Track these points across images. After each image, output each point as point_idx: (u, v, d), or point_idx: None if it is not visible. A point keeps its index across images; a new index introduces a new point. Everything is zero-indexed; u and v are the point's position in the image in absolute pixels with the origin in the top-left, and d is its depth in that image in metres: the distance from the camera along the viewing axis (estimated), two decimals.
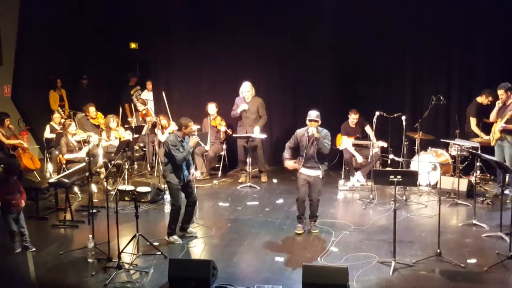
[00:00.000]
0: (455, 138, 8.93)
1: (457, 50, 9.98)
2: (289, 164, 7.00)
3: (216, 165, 10.36)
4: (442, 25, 9.99)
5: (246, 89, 9.59)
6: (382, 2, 10.07)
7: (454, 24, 9.94)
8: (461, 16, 9.88)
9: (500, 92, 8.20)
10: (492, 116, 8.35)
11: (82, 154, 8.91)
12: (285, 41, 10.64)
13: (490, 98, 8.92)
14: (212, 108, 10.02)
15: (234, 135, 9.98)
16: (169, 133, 9.31)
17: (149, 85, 11.91)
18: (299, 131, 6.96)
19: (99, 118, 10.39)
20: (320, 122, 6.84)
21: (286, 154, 7.04)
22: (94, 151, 9.20)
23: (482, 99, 9.04)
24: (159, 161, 9.73)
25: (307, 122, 6.85)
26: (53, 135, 10.06)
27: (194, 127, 6.99)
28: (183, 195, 6.97)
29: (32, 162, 9.62)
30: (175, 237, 6.82)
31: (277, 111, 10.77)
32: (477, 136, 9.04)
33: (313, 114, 6.83)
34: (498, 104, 8.26)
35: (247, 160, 9.51)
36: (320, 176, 6.93)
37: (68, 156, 9.04)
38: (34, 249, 6.59)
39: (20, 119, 11.19)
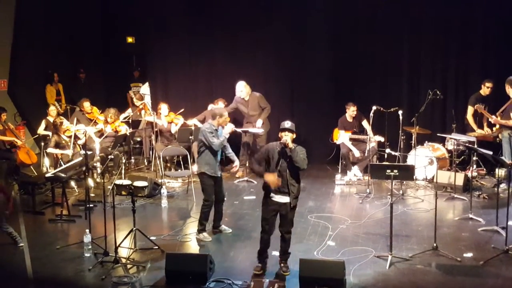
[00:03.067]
0: (452, 132, 8.95)
1: (454, 45, 10.03)
2: (271, 178, 5.50)
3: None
4: (439, 20, 10.01)
5: (240, 88, 9.62)
6: None
7: (451, 20, 9.96)
8: (458, 11, 9.90)
9: (506, 85, 8.30)
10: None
11: (69, 152, 8.86)
12: (283, 37, 10.64)
13: (487, 84, 8.94)
14: (221, 105, 9.96)
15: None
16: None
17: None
18: (271, 145, 5.74)
19: (94, 113, 10.38)
20: (295, 135, 5.63)
21: (258, 166, 5.73)
22: (90, 145, 9.22)
23: (483, 90, 9.05)
24: (156, 155, 9.73)
25: (279, 134, 5.64)
26: (48, 132, 10.03)
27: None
28: None
29: (28, 157, 9.60)
30: (205, 234, 6.74)
31: (273, 107, 10.70)
32: (472, 128, 9.08)
33: (287, 123, 5.61)
34: None
35: (247, 155, 9.55)
36: (291, 205, 5.64)
37: (52, 150, 8.99)
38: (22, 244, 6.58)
39: (16, 113, 11.16)
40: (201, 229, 6.77)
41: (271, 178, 5.50)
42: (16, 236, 6.58)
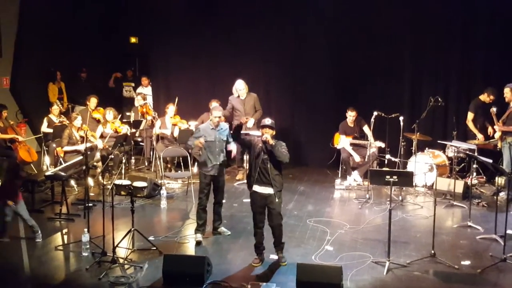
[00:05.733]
0: (452, 139, 8.94)
1: (456, 51, 10.01)
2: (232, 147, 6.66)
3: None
4: (441, 26, 10.01)
5: (241, 87, 9.54)
6: (382, 2, 10.08)
7: (453, 25, 9.96)
8: (460, 17, 9.91)
9: (506, 90, 8.31)
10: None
11: (82, 147, 8.85)
12: (284, 40, 10.66)
13: (491, 97, 8.97)
14: (215, 105, 9.94)
15: (231, 132, 9.94)
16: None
17: (144, 80, 11.86)
18: (255, 139, 6.18)
19: (99, 111, 10.37)
20: (274, 132, 5.99)
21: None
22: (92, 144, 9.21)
23: (484, 97, 9.08)
24: (157, 156, 9.73)
25: (260, 130, 6.09)
26: (50, 130, 10.05)
27: (217, 113, 6.83)
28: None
29: (29, 155, 9.61)
30: (198, 235, 6.73)
31: (275, 110, 10.74)
32: (473, 134, 9.09)
33: (268, 121, 6.02)
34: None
35: (244, 157, 9.53)
36: (276, 199, 5.95)
37: (68, 148, 8.96)
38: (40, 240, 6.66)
39: (18, 111, 11.17)
40: (196, 229, 6.80)
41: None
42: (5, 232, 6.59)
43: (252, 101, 9.61)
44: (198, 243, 6.65)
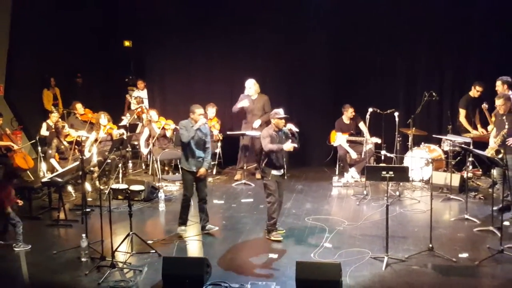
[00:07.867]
0: (448, 133, 8.97)
1: (450, 46, 10.05)
2: (288, 145, 6.65)
3: (212, 163, 10.34)
4: (435, 22, 10.04)
5: (249, 85, 9.54)
6: (377, 0, 10.11)
7: (448, 21, 9.98)
8: (455, 13, 9.93)
9: (498, 83, 8.32)
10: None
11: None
12: (280, 39, 10.65)
13: (477, 88, 9.02)
14: (212, 111, 9.95)
15: (228, 132, 9.98)
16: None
17: (140, 84, 11.87)
18: (269, 131, 6.73)
19: (87, 114, 10.39)
20: None
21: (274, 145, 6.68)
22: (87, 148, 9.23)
23: (473, 92, 9.13)
24: (153, 159, 9.73)
25: (280, 121, 6.70)
26: (48, 134, 10.07)
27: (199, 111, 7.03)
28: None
29: (25, 162, 9.57)
30: (182, 227, 6.85)
31: (271, 109, 10.75)
32: (466, 130, 9.12)
33: (282, 111, 6.77)
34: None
35: (245, 158, 9.56)
36: (285, 176, 6.92)
37: (53, 162, 8.94)
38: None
39: (13, 118, 11.15)
40: (179, 222, 6.90)
41: (290, 146, 6.69)
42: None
43: (262, 102, 9.59)
44: (181, 237, 6.80)
